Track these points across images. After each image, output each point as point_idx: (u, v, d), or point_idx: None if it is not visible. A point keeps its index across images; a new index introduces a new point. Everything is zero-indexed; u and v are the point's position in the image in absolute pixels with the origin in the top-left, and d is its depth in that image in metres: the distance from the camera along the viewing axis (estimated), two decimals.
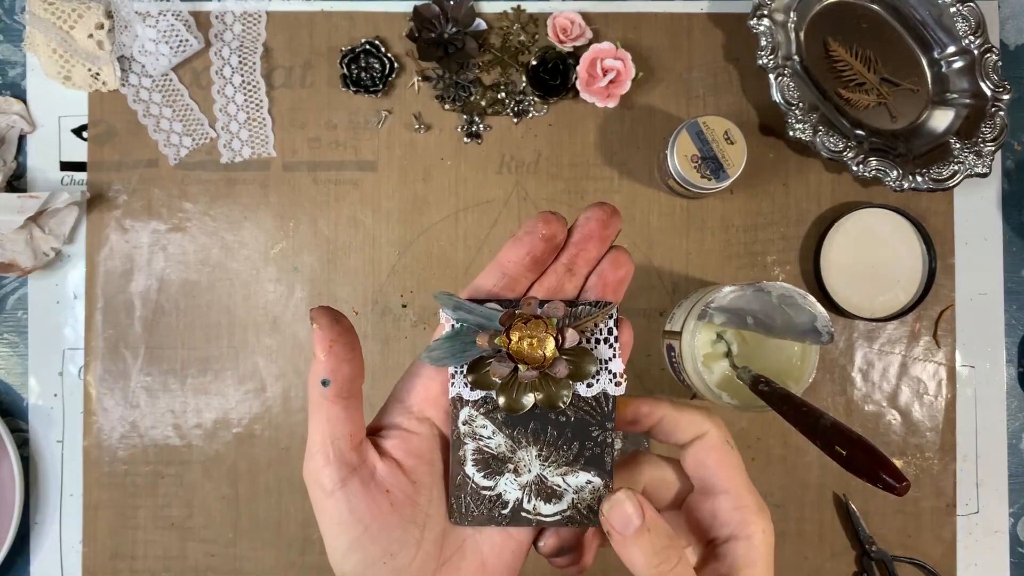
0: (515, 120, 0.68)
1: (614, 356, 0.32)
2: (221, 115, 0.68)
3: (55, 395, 0.67)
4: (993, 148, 0.65)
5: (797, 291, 0.56)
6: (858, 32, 0.68)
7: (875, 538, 0.67)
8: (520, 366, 0.32)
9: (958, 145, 0.65)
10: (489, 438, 0.32)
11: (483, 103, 0.68)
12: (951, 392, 0.68)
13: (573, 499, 0.32)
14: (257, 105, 0.68)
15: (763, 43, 0.64)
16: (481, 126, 0.68)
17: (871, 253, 0.67)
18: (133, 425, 0.67)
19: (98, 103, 0.68)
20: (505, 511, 0.32)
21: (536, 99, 0.68)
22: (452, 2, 0.67)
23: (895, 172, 0.63)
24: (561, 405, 0.32)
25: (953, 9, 0.67)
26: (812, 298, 0.56)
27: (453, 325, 0.32)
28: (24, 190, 0.67)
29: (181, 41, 0.66)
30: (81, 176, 0.67)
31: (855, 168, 0.63)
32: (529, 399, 0.32)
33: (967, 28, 0.66)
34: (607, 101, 0.66)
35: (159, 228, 0.68)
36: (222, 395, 0.67)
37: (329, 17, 0.68)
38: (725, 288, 0.57)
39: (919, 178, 0.64)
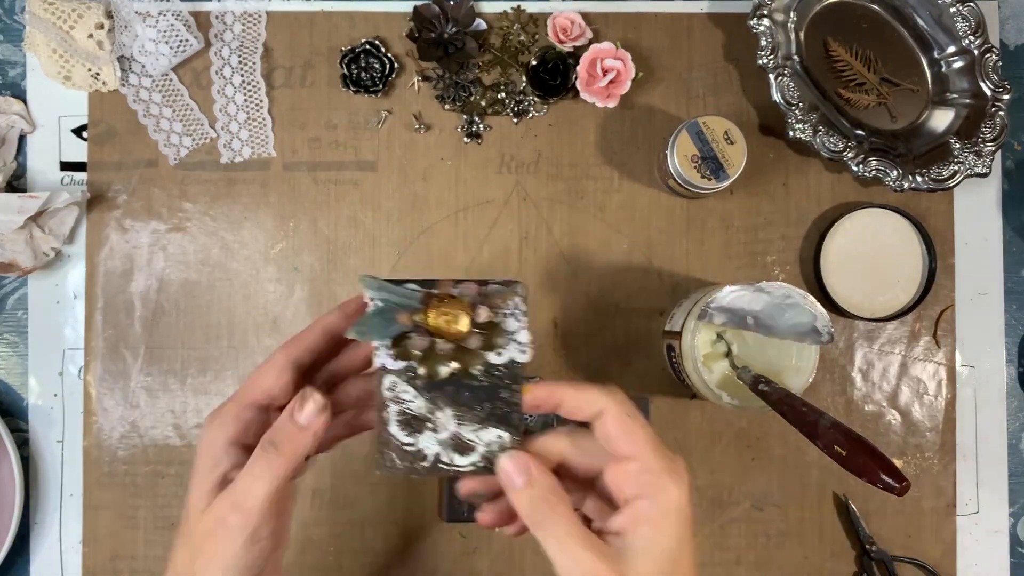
0: (515, 120, 0.68)
1: (521, 327, 0.37)
2: (221, 115, 0.68)
3: (55, 395, 0.67)
4: (993, 148, 0.65)
5: (797, 291, 0.56)
6: (858, 32, 0.68)
7: (875, 538, 0.67)
8: (438, 340, 0.36)
9: (958, 145, 0.65)
10: (411, 402, 0.37)
11: (483, 103, 0.68)
12: (951, 392, 0.68)
13: (484, 451, 0.37)
14: (257, 105, 0.68)
15: (763, 43, 0.64)
16: (481, 126, 0.68)
17: (871, 253, 0.67)
18: (133, 425, 0.67)
19: (98, 103, 0.68)
20: (425, 463, 0.37)
21: (536, 99, 0.68)
22: (452, 2, 0.67)
23: (895, 172, 0.63)
24: (475, 372, 0.37)
25: (953, 9, 0.67)
26: (812, 298, 0.56)
27: (376, 304, 0.36)
28: (24, 190, 0.67)
29: (181, 41, 0.66)
30: (81, 176, 0.67)
31: (855, 168, 0.63)
32: (446, 368, 0.37)
33: (967, 28, 0.66)
34: (607, 101, 0.66)
35: (159, 228, 0.68)
36: (222, 395, 0.67)
37: (329, 17, 0.68)
38: (725, 288, 0.57)
39: (919, 178, 0.64)
